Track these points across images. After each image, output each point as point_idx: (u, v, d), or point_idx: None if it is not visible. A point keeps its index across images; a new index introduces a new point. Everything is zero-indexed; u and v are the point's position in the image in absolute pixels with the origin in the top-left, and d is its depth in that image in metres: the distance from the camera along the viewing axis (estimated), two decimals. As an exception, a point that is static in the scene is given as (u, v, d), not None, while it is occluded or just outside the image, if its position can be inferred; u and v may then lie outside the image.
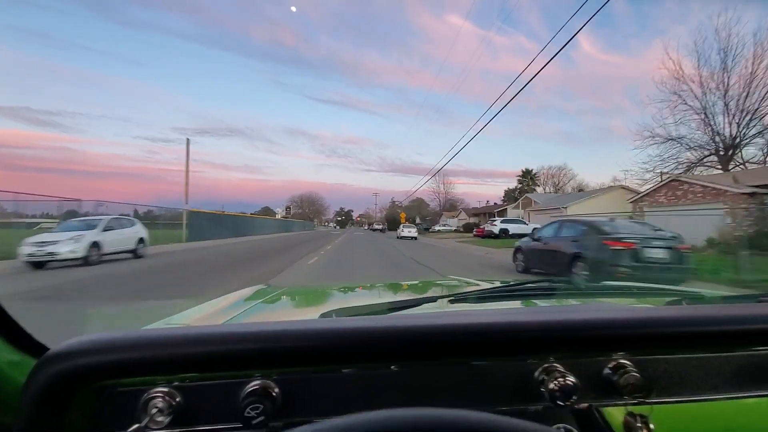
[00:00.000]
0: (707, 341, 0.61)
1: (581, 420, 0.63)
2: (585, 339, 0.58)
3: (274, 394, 0.54)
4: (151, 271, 9.90)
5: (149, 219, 27.25)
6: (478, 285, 1.44)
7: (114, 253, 11.89)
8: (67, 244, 10.37)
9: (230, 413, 0.54)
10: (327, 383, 0.57)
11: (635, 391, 0.58)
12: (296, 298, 1.56)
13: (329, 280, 8.11)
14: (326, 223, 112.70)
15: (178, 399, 0.53)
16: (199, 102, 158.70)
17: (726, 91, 23.72)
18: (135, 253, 12.80)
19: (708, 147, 25.14)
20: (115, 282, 8.06)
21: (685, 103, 24.94)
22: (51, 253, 10.04)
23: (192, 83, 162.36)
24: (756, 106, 22.96)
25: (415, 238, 31.43)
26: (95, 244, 11.02)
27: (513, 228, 27.72)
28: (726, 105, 23.87)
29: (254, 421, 0.51)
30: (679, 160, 25.78)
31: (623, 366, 0.60)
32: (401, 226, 35.77)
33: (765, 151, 24.26)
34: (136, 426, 0.52)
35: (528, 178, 58.59)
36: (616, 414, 0.62)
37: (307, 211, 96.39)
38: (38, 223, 18.06)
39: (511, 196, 58.53)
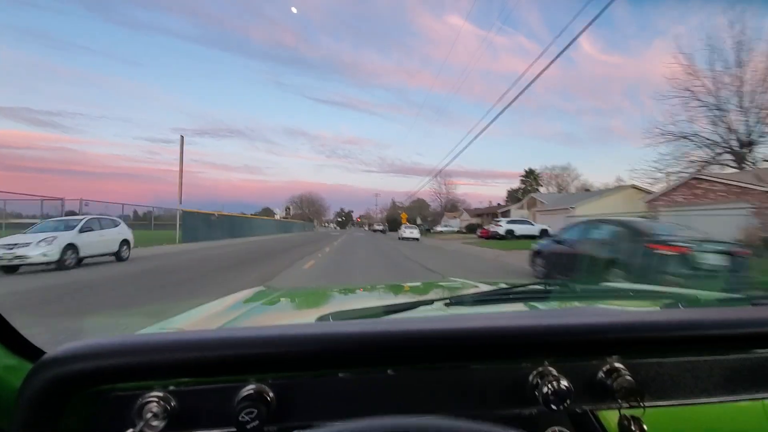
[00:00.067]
0: (701, 345, 0.62)
1: (576, 423, 0.63)
2: (579, 343, 0.59)
3: (268, 398, 0.54)
4: (127, 277, 8.93)
5: (147, 220, 26.69)
6: (476, 287, 1.47)
7: (94, 257, 10.96)
8: (39, 247, 9.43)
9: (225, 418, 0.54)
10: (322, 388, 0.57)
11: (629, 394, 0.59)
12: (295, 300, 1.55)
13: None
14: (326, 224, 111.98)
15: (173, 403, 0.53)
16: (199, 103, 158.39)
17: (740, 86, 22.77)
18: (118, 256, 11.85)
19: (722, 144, 24.15)
20: (79, 290, 7.10)
21: (698, 99, 23.96)
22: (20, 257, 9.12)
23: (192, 84, 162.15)
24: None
25: (418, 239, 30.45)
26: (71, 247, 10.07)
27: (519, 229, 26.72)
28: (741, 100, 22.91)
29: (249, 426, 0.51)
30: (692, 158, 24.78)
31: (617, 370, 0.60)
32: (403, 226, 34.81)
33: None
34: (131, 430, 0.52)
35: (531, 178, 57.71)
36: (610, 417, 0.62)
37: (307, 211, 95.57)
38: (32, 224, 17.14)
39: (514, 197, 57.62)
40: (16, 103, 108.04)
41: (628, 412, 0.59)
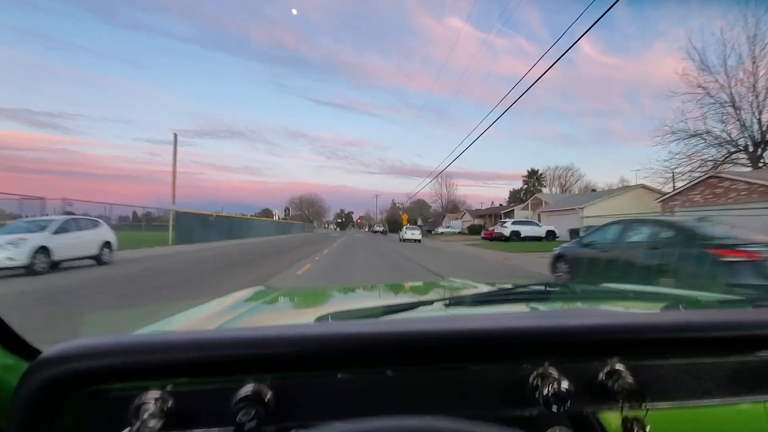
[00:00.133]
0: (702, 347, 0.61)
1: (576, 425, 0.63)
2: (579, 344, 0.59)
3: (267, 399, 0.54)
4: (101, 283, 8.02)
5: (146, 221, 25.84)
6: (476, 287, 1.47)
7: (70, 260, 10.04)
8: (5, 250, 8.53)
9: (223, 418, 0.54)
10: (321, 388, 0.57)
11: (630, 396, 0.58)
12: (294, 300, 1.55)
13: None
14: (326, 225, 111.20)
15: (170, 403, 0.53)
16: (200, 104, 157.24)
17: (756, 82, 21.84)
18: (98, 260, 10.92)
19: (735, 143, 23.20)
20: (43, 298, 6.19)
21: (710, 96, 23.01)
22: (-16, 261, 8.23)
23: (193, 85, 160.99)
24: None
25: (419, 240, 29.49)
26: (43, 250, 9.15)
27: (525, 230, 25.79)
28: (756, 97, 21.98)
29: (246, 426, 0.51)
30: (705, 157, 23.81)
31: (618, 371, 0.60)
32: (404, 227, 33.84)
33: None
34: (127, 429, 0.51)
35: (534, 178, 56.84)
36: (611, 419, 0.62)
37: (306, 213, 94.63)
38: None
39: (516, 197, 56.76)
40: (17, 104, 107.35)
41: (630, 414, 0.58)
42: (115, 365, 0.51)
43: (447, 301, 0.95)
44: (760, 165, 21.54)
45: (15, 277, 8.38)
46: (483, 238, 29.40)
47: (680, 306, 0.88)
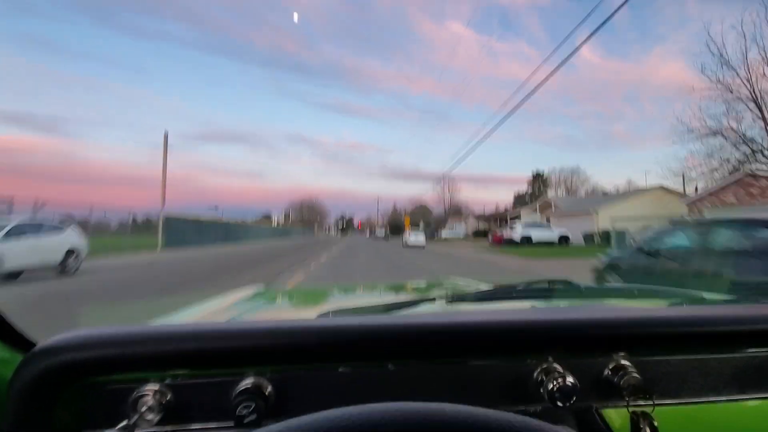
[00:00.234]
0: (710, 342, 0.60)
1: (580, 421, 0.61)
2: (584, 338, 0.57)
3: (267, 392, 0.53)
4: (44, 298, 6.60)
5: (133, 225, 24.67)
6: (478, 286, 1.45)
7: (26, 270, 8.64)
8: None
9: (222, 412, 0.53)
10: (322, 382, 0.56)
11: (636, 392, 0.57)
12: (294, 299, 1.53)
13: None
14: (327, 230, 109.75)
15: (168, 397, 0.52)
16: (201, 109, 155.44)
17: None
18: (62, 269, 9.51)
19: (759, 142, 21.71)
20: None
21: (730, 91, 21.55)
22: None
23: (195, 90, 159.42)
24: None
25: (424, 246, 28.01)
26: (-11, 258, 7.77)
27: (537, 234, 24.33)
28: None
29: (246, 420, 0.50)
30: (728, 156, 22.29)
31: (624, 367, 0.59)
32: (407, 232, 32.29)
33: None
34: (125, 422, 0.50)
35: (539, 181, 55.51)
36: (616, 416, 0.60)
37: (306, 217, 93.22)
38: None
39: (521, 201, 55.38)
40: (20, 108, 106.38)
41: (637, 410, 0.57)
42: (113, 356, 0.49)
43: (449, 298, 0.94)
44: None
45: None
46: (491, 243, 27.93)
47: (684, 304, 0.88)
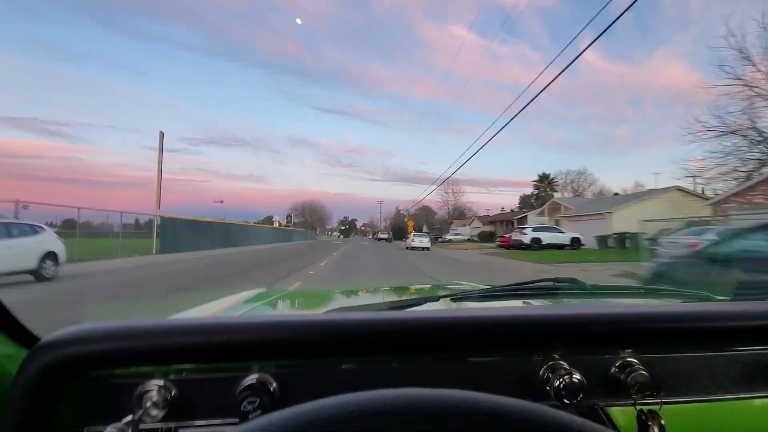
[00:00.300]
0: (718, 338, 0.59)
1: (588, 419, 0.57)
2: (591, 334, 0.57)
3: (271, 388, 0.53)
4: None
5: (146, 228, 23.83)
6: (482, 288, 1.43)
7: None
8: None
9: (227, 408, 0.53)
10: (326, 378, 0.56)
11: (643, 390, 0.57)
12: (297, 300, 1.51)
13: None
14: (329, 233, 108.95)
15: (173, 392, 0.52)
16: (205, 112, 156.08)
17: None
18: (37, 274, 8.67)
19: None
20: None
21: (750, 88, 20.46)
22: None
23: (198, 94, 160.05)
24: None
25: (428, 249, 27.04)
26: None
27: (547, 237, 23.32)
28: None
29: (251, 416, 0.50)
30: (748, 155, 21.18)
31: (631, 364, 0.58)
32: (411, 234, 31.29)
33: None
34: (129, 418, 0.50)
35: (546, 183, 54.46)
36: (623, 414, 0.59)
37: (309, 219, 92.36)
38: None
39: (527, 203, 54.34)
40: (25, 113, 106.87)
41: (644, 408, 0.56)
42: (117, 349, 0.49)
43: (453, 297, 0.93)
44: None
45: None
46: (499, 246, 26.92)
47: (692, 301, 0.88)
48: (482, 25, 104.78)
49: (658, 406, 0.56)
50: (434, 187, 44.68)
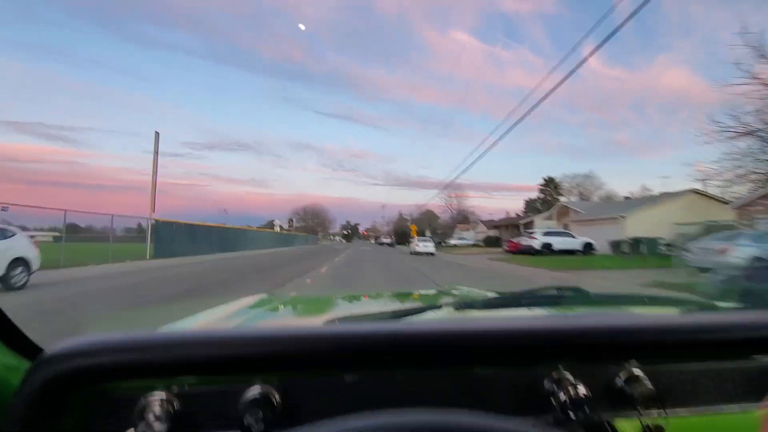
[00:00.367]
0: (724, 349, 0.59)
1: None
2: (596, 345, 0.56)
3: (275, 401, 0.53)
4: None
5: (145, 232, 23.09)
6: (485, 295, 1.42)
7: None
8: None
9: (229, 421, 0.53)
10: (329, 391, 0.56)
11: (649, 402, 0.56)
12: (300, 307, 1.47)
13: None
14: (331, 237, 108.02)
15: (176, 405, 0.52)
16: (208, 117, 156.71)
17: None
18: (5, 282, 7.81)
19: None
20: None
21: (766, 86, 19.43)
22: None
23: (201, 99, 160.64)
24: None
25: (433, 254, 26.10)
26: None
27: (558, 242, 22.34)
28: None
29: (254, 429, 0.50)
30: (765, 158, 20.16)
31: (636, 376, 0.58)
32: (415, 239, 30.37)
33: None
34: (131, 431, 0.50)
35: (551, 187, 53.45)
36: (629, 426, 0.58)
37: (311, 224, 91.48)
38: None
39: (533, 207, 53.31)
40: (30, 118, 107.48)
41: (649, 421, 0.55)
42: (121, 362, 0.49)
43: (456, 305, 0.93)
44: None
45: None
46: (507, 251, 25.92)
47: (697, 311, 0.86)
48: (484, 31, 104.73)
49: (663, 419, 0.55)
50: (439, 190, 43.77)
